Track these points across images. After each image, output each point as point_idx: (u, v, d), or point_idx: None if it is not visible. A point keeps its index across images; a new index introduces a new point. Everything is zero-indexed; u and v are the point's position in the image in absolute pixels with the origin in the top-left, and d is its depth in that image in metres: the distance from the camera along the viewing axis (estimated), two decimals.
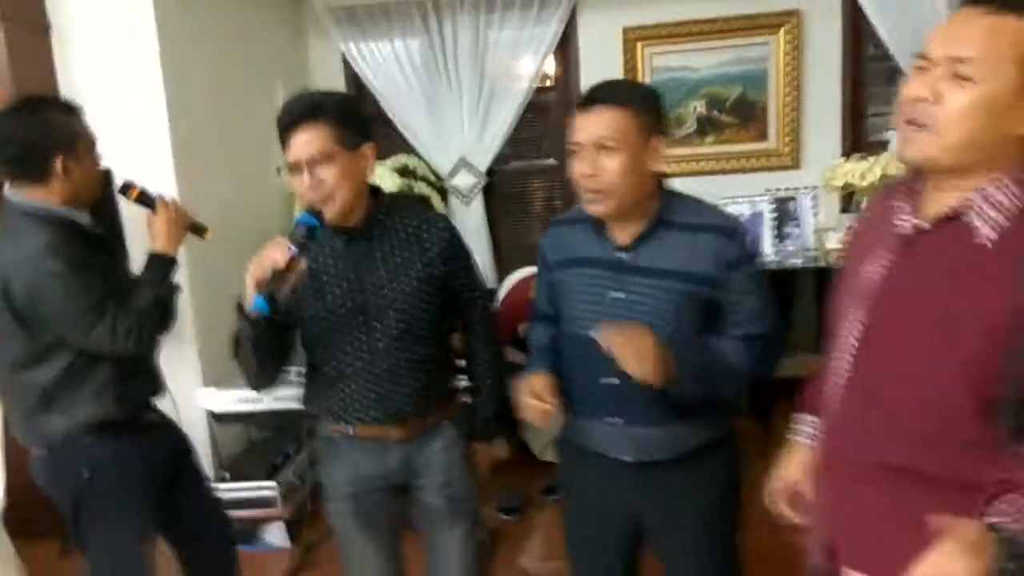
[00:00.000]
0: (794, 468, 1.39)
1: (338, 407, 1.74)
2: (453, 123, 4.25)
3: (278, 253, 1.48)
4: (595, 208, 1.49)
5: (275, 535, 3.03)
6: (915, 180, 1.16)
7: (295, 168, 1.60)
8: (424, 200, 4.04)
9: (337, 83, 4.40)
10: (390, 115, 4.25)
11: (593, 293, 1.54)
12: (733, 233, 1.50)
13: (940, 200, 1.09)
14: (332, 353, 1.72)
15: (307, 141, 1.57)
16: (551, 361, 1.65)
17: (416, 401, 1.73)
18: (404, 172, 4.02)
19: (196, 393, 3.08)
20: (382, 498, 1.81)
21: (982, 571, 0.92)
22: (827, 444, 1.26)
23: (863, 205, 1.45)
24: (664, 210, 1.51)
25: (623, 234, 1.52)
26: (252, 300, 1.50)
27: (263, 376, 1.70)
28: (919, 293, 1.08)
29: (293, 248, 1.50)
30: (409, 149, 4.24)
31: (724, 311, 1.51)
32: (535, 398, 1.52)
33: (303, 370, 1.85)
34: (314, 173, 1.58)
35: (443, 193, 4.27)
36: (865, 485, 1.15)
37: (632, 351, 1.35)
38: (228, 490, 2.97)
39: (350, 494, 1.79)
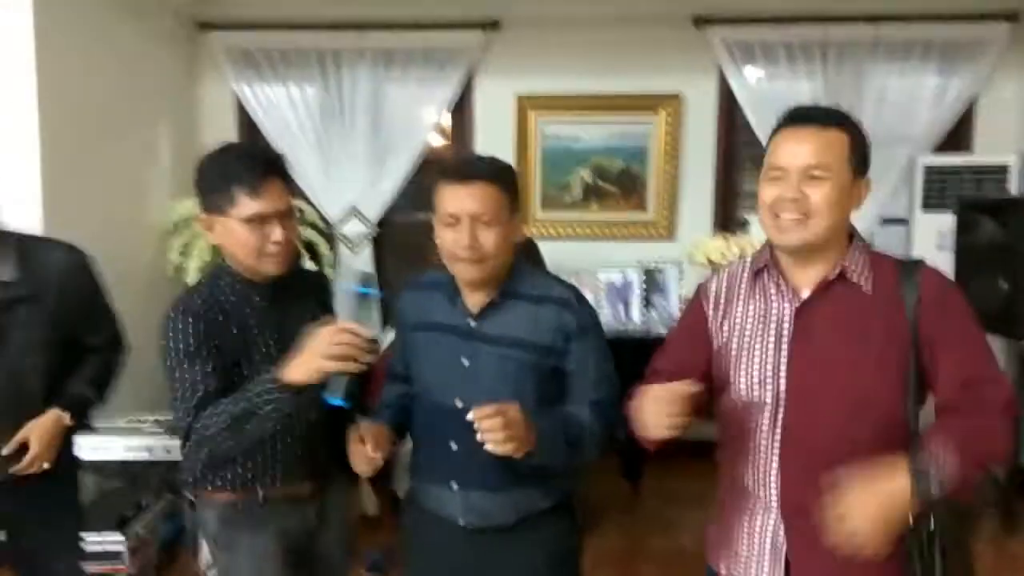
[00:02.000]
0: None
1: (254, 468, 1.71)
2: (345, 171, 4.25)
3: (343, 337, 1.39)
4: (471, 274, 1.54)
5: None
6: (772, 262, 1.40)
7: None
8: (310, 247, 3.99)
9: (228, 123, 4.34)
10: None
11: (444, 358, 1.58)
12: (572, 304, 1.56)
13: (806, 273, 1.37)
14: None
15: None
16: (391, 417, 1.66)
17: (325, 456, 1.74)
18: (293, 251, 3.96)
19: None
20: (292, 559, 1.75)
21: (904, 490, 1.16)
22: (770, 491, 1.39)
23: (708, 279, 1.57)
24: (512, 281, 1.58)
25: (474, 303, 1.58)
26: (327, 392, 1.42)
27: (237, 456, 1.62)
28: (834, 343, 1.33)
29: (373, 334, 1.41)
30: (299, 194, 4.20)
31: (567, 380, 1.57)
32: (361, 443, 1.52)
33: (159, 419, 1.78)
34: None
35: (331, 240, 4.23)
36: (812, 514, 1.27)
37: (499, 424, 1.35)
38: None
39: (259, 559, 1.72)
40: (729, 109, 4.23)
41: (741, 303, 1.44)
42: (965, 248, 3.46)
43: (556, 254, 3.61)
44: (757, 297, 1.42)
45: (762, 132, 4.10)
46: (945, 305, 1.32)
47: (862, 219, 4.08)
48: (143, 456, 2.56)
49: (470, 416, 1.35)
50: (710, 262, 3.23)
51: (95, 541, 2.78)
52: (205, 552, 2.80)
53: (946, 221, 3.72)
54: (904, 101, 4.07)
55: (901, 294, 1.31)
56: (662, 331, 3.17)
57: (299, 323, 1.53)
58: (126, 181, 3.67)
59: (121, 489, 3.12)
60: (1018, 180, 3.67)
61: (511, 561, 1.61)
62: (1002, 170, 3.70)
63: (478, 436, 1.35)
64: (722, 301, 1.47)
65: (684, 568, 3.27)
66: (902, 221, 4.14)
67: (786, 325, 1.37)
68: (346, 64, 4.20)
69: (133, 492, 3.04)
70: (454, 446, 1.55)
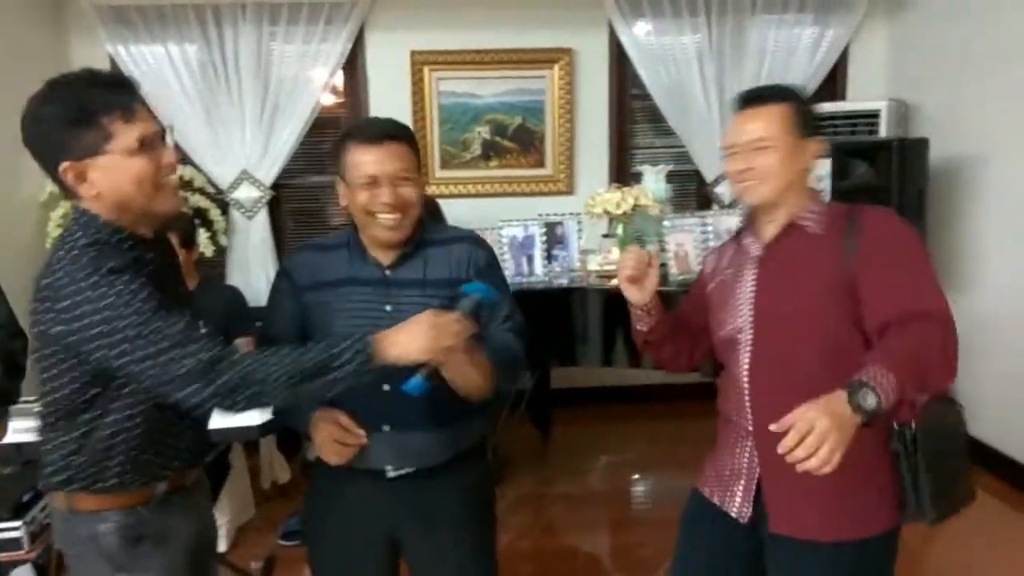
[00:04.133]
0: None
1: (158, 462, 1.47)
2: (234, 135, 4.10)
3: (461, 328, 1.39)
4: (392, 233, 1.57)
5: None
6: (747, 221, 1.66)
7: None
8: (200, 214, 3.86)
9: None
10: (162, 122, 4.02)
11: (362, 308, 1.59)
12: (481, 241, 1.69)
13: (773, 224, 1.58)
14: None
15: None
16: None
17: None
18: (180, 184, 3.81)
19: None
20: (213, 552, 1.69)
21: (842, 403, 1.23)
22: (744, 415, 1.57)
23: (713, 251, 1.84)
24: (424, 232, 1.65)
25: (385, 256, 1.62)
26: (412, 378, 1.39)
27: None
28: (786, 278, 1.54)
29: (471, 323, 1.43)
30: (185, 160, 4.02)
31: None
32: (339, 435, 1.56)
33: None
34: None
35: (223, 206, 4.09)
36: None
37: (434, 326, 1.37)
38: None
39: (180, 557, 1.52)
40: (620, 63, 4.31)
41: (727, 259, 1.70)
42: (841, 191, 3.68)
43: (457, 212, 3.63)
44: (737, 252, 1.67)
45: (652, 85, 4.21)
46: (881, 241, 1.47)
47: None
48: (36, 438, 2.45)
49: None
50: (607, 213, 3.32)
51: None
52: None
53: (822, 166, 3.94)
54: (782, 52, 4.27)
55: (845, 235, 1.50)
56: (563, 282, 3.25)
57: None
58: None
59: (16, 474, 2.99)
60: (887, 124, 3.92)
61: (432, 507, 1.65)
62: (873, 115, 3.93)
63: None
64: (714, 259, 1.75)
65: (593, 510, 3.43)
66: None
67: (753, 271, 1.60)
68: (227, 20, 4.01)
69: (30, 476, 2.91)
70: (386, 387, 1.53)
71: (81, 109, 1.32)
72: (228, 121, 4.08)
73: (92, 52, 4.02)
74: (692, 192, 4.49)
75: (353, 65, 4.23)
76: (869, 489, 1.48)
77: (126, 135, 1.32)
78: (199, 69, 4.06)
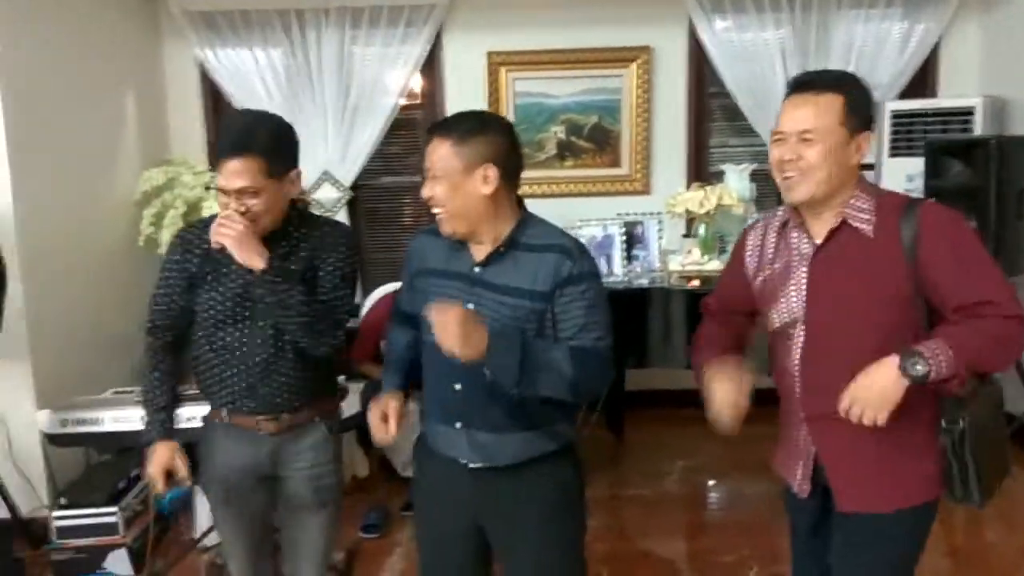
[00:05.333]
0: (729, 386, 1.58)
1: (215, 393, 1.85)
2: (316, 136, 4.20)
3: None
4: (441, 228, 1.62)
5: (118, 563, 2.86)
6: (794, 215, 1.59)
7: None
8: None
9: (192, 89, 4.25)
10: None
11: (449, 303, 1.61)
12: (572, 253, 1.60)
13: (821, 221, 1.55)
14: (217, 341, 1.81)
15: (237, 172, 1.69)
16: (403, 373, 1.80)
17: (286, 395, 1.83)
18: None
19: (30, 414, 2.87)
20: (251, 485, 1.90)
21: (893, 364, 1.37)
22: (797, 403, 1.61)
23: (749, 227, 1.79)
24: (516, 232, 1.63)
25: (479, 252, 1.64)
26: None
27: None
28: (841, 277, 1.52)
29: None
30: None
31: (554, 323, 1.60)
32: (383, 419, 1.68)
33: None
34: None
35: (305, 206, 4.18)
36: (837, 422, 1.48)
37: (447, 322, 1.44)
38: (64, 517, 2.78)
39: (221, 478, 1.90)
40: (699, 61, 4.23)
41: (772, 250, 1.65)
42: (934, 191, 3.54)
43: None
44: (784, 245, 1.63)
45: (731, 83, 4.12)
46: (942, 236, 1.45)
47: None
48: (134, 427, 2.56)
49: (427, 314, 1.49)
50: (689, 212, 3.27)
51: (89, 514, 2.81)
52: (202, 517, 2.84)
53: (914, 165, 3.80)
54: (870, 48, 4.11)
55: (900, 231, 1.47)
56: (644, 282, 3.22)
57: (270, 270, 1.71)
58: (93, 153, 3.59)
59: (112, 462, 3.13)
60: (982, 122, 3.74)
61: (516, 501, 1.66)
62: (968, 113, 3.76)
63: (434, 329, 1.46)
64: (758, 249, 1.70)
65: (668, 514, 3.38)
66: (870, 167, 4.21)
67: (804, 268, 1.57)
68: (310, 24, 4.11)
69: (125, 464, 3.05)
70: (458, 386, 1.62)
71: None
72: (311, 123, 4.18)
73: (182, 56, 4.19)
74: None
75: (431, 67, 4.27)
76: (920, 462, 1.54)
77: None
78: (283, 72, 4.17)
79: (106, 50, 3.71)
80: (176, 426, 1.92)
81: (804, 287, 1.57)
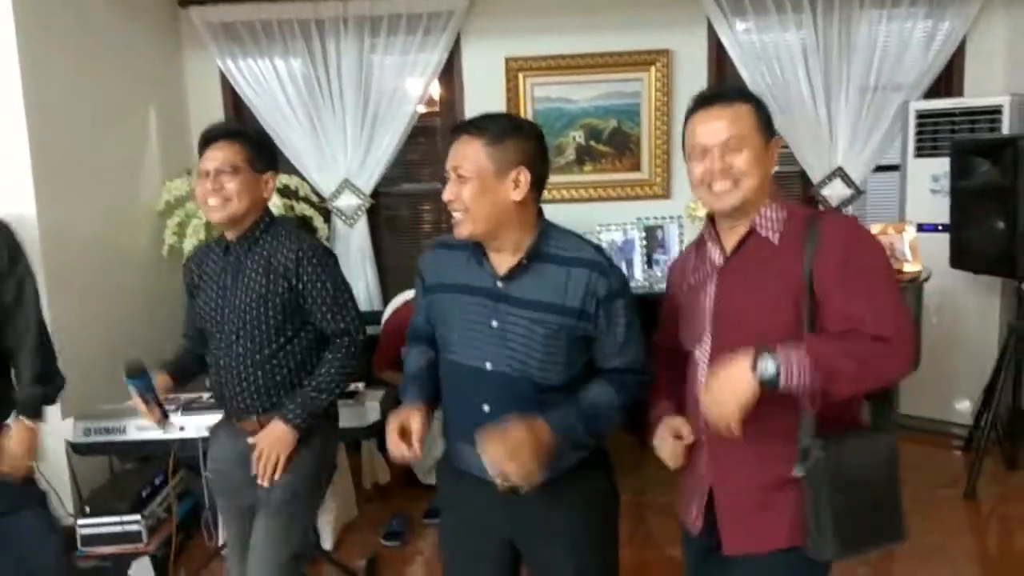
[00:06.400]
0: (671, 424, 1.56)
1: (215, 393, 2.05)
2: (336, 144, 4.22)
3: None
4: (458, 231, 1.54)
5: (142, 571, 2.87)
6: (709, 228, 1.58)
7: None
8: (305, 222, 3.98)
9: (215, 99, 4.29)
10: (271, 134, 4.17)
11: (471, 320, 1.56)
12: (604, 267, 1.54)
13: (735, 232, 1.52)
14: (207, 346, 2.03)
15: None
16: (425, 388, 1.67)
17: (255, 398, 1.96)
18: (285, 192, 3.95)
19: (55, 423, 2.89)
20: (239, 478, 2.01)
21: (745, 366, 1.31)
22: (699, 429, 1.53)
23: (681, 254, 1.78)
24: (540, 242, 1.55)
25: (500, 263, 1.56)
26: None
27: None
28: (744, 288, 1.49)
29: None
30: (291, 169, 4.17)
31: (593, 344, 1.57)
32: (401, 434, 1.56)
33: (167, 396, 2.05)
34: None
35: (326, 214, 4.22)
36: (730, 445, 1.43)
37: (507, 452, 1.39)
38: (89, 525, 2.80)
39: (214, 468, 2.12)
40: (720, 63, 4.20)
41: (690, 271, 1.62)
42: (961, 191, 3.48)
43: (550, 218, 3.60)
44: (700, 260, 1.60)
45: (753, 85, 4.08)
46: (835, 250, 1.40)
47: (855, 167, 4.09)
48: (157, 436, 2.57)
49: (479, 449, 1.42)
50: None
51: (113, 522, 2.82)
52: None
53: (939, 165, 3.73)
54: (894, 47, 4.06)
55: (803, 243, 1.43)
56: (663, 287, 3.19)
57: (241, 279, 1.93)
58: (117, 164, 3.63)
59: (136, 470, 3.15)
60: (1010, 121, 3.67)
61: (551, 513, 1.60)
62: (995, 111, 3.70)
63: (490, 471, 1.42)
64: (681, 273, 1.67)
65: None
66: (895, 168, 4.15)
67: (713, 284, 1.54)
68: (330, 33, 4.14)
69: (148, 472, 3.07)
70: (486, 408, 1.54)
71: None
72: (330, 131, 4.20)
73: (204, 67, 4.23)
74: (797, 193, 4.33)
75: (449, 74, 4.28)
76: (787, 504, 1.44)
77: None
78: (303, 81, 4.20)
79: (128, 62, 3.76)
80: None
81: (709, 305, 1.52)
